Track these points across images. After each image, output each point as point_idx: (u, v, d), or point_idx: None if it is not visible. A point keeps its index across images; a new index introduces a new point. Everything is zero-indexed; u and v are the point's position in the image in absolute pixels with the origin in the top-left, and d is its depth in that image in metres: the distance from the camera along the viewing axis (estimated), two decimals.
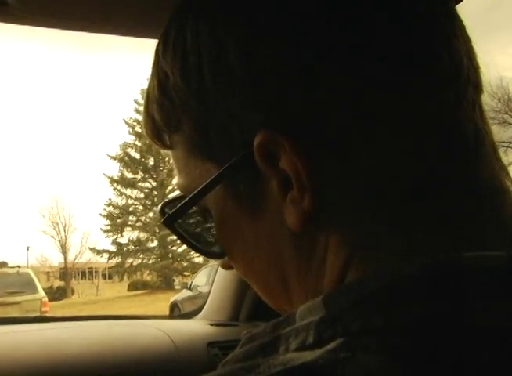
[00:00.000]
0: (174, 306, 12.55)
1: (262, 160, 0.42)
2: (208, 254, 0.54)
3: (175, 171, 0.52)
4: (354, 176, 0.41)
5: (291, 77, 0.41)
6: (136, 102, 27.89)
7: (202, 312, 1.70)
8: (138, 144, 27.55)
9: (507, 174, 0.44)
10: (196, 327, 1.53)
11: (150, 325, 1.44)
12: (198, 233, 0.52)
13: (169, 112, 0.48)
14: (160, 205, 0.54)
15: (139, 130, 27.64)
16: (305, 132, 0.41)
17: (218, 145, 0.45)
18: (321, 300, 0.38)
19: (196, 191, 0.47)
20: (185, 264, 26.73)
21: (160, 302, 17.56)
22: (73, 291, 27.90)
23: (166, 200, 0.55)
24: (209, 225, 0.50)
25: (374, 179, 0.41)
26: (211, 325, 1.53)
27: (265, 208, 0.44)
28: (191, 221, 0.52)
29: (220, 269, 1.64)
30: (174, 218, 0.51)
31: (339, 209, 0.41)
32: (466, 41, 0.45)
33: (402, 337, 0.34)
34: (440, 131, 0.42)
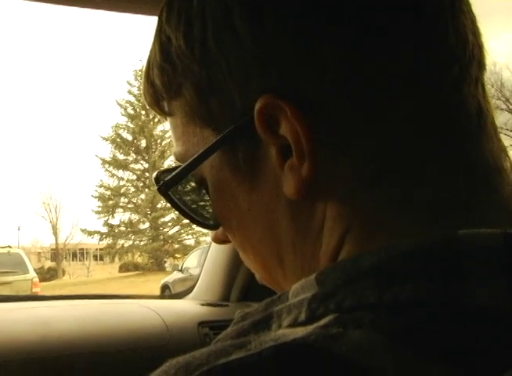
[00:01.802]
0: (165, 288, 12.59)
1: (262, 125, 0.42)
2: (203, 225, 0.53)
3: (173, 140, 0.52)
4: (354, 146, 0.41)
5: (295, 42, 0.41)
6: (129, 83, 27.70)
7: (193, 293, 1.70)
8: (131, 126, 27.40)
9: (507, 155, 0.44)
10: (187, 307, 1.53)
11: (141, 304, 1.44)
12: (193, 202, 0.52)
13: (170, 77, 0.48)
14: (155, 173, 0.53)
15: (132, 112, 27.51)
16: (307, 98, 0.41)
17: (218, 111, 0.45)
18: (314, 278, 0.38)
19: (193, 158, 0.47)
20: (176, 246, 26.75)
21: (151, 284, 17.59)
22: (64, 272, 27.89)
23: (162, 168, 0.54)
24: (205, 195, 0.50)
25: (375, 151, 0.41)
26: (202, 305, 1.53)
27: (263, 177, 0.44)
28: (186, 190, 0.51)
29: (211, 249, 1.65)
30: (169, 185, 0.50)
31: (338, 179, 0.41)
32: (473, 18, 0.45)
33: (394, 314, 0.34)
34: (443, 105, 0.42)
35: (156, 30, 0.50)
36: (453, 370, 0.31)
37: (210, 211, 0.51)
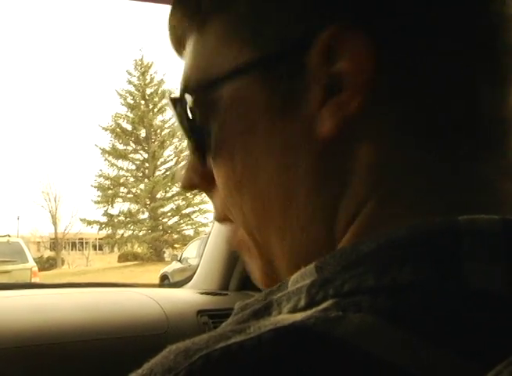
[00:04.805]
0: (164, 278, 12.64)
1: (321, 56, 0.40)
2: (198, 150, 0.48)
3: (190, 56, 0.48)
4: (408, 100, 0.40)
5: None
6: (129, 73, 27.67)
7: (192, 282, 1.70)
8: (130, 115, 27.39)
9: None
10: (186, 296, 1.54)
11: (140, 293, 1.44)
12: (201, 122, 0.47)
13: None
14: (182, 87, 0.49)
15: (131, 101, 27.49)
16: (380, 36, 0.40)
17: (272, 31, 0.42)
18: (313, 266, 0.38)
19: (225, 70, 0.45)
20: (175, 236, 26.80)
21: (150, 274, 17.65)
22: (63, 262, 27.94)
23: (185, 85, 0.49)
24: (215, 117, 0.46)
25: (423, 117, 0.40)
26: (201, 294, 1.53)
27: (297, 111, 0.42)
28: (198, 109, 0.47)
29: (210, 238, 1.64)
30: (183, 94, 0.47)
31: (377, 131, 0.41)
32: None
33: (392, 297, 0.34)
34: (499, 83, 0.41)
35: None
36: (449, 353, 0.31)
37: (218, 136, 0.47)
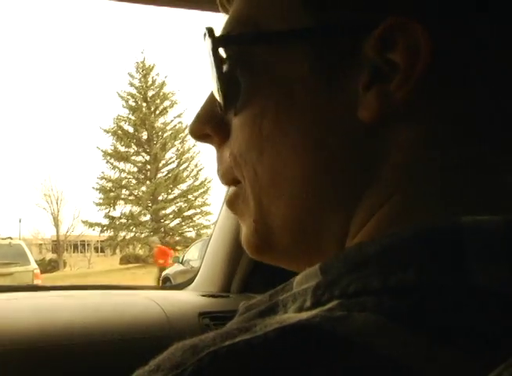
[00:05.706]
0: (165, 280, 12.64)
1: (376, 41, 0.40)
2: (224, 99, 0.46)
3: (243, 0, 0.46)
4: (451, 104, 0.41)
5: None
6: (130, 75, 27.72)
7: (193, 284, 1.70)
8: (132, 118, 27.41)
9: None
10: (188, 298, 1.53)
11: (141, 295, 1.44)
12: (235, 72, 0.46)
13: None
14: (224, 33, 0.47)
15: (133, 104, 27.53)
16: (435, 34, 0.40)
17: (338, 3, 0.41)
18: (318, 267, 0.39)
19: (277, 29, 0.43)
20: (177, 238, 26.80)
21: (152, 276, 17.64)
22: (65, 264, 27.96)
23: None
24: (254, 72, 0.45)
25: (463, 121, 0.41)
26: (203, 296, 1.53)
27: (340, 88, 0.42)
28: (236, 58, 0.46)
29: (212, 240, 1.64)
30: (227, 41, 0.46)
31: (417, 125, 0.41)
32: None
33: (397, 297, 0.34)
34: None
35: None
36: (452, 352, 0.31)
37: (243, 89, 0.45)
